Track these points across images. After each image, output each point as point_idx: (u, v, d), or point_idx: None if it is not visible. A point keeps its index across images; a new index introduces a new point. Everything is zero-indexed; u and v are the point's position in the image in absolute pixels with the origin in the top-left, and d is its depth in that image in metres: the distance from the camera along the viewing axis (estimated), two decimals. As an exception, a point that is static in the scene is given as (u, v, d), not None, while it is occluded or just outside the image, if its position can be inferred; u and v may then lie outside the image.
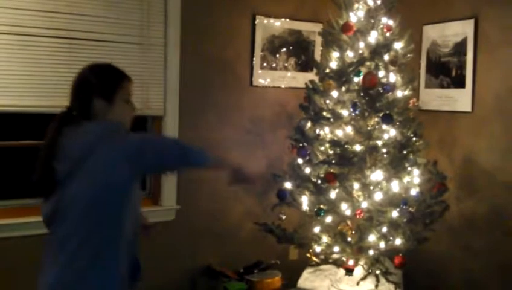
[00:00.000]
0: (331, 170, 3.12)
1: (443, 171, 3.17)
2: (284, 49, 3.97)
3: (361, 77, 3.08)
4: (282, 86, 3.98)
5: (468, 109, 3.52)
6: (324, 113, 3.21)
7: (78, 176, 1.77)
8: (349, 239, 3.12)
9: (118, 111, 1.91)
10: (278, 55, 3.95)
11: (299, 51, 4.04)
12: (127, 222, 1.84)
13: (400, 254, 3.08)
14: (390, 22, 3.22)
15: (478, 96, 3.48)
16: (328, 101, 3.23)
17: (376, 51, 3.13)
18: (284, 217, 3.27)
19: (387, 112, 3.04)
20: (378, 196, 3.03)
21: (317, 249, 3.27)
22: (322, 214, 3.12)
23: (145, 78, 3.43)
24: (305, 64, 4.06)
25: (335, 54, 3.26)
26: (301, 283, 3.38)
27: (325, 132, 3.24)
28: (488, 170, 3.43)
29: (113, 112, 1.90)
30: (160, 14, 3.47)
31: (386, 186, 3.07)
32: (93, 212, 1.78)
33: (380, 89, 3.08)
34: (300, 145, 3.26)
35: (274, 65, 3.94)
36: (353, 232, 3.15)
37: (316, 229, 3.24)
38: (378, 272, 3.11)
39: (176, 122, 3.55)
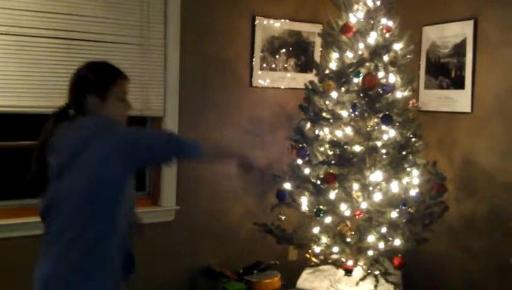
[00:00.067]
0: (331, 171, 3.12)
1: (442, 172, 3.17)
2: (284, 50, 3.97)
3: (361, 77, 3.08)
4: (282, 87, 3.98)
5: (468, 109, 3.52)
6: (324, 114, 3.21)
7: (72, 170, 1.78)
8: (348, 240, 3.12)
9: (111, 108, 1.91)
10: (277, 56, 3.94)
11: (299, 52, 4.04)
12: (121, 216, 1.85)
13: (399, 255, 3.08)
14: (390, 23, 3.22)
15: (477, 97, 3.48)
16: (327, 102, 3.23)
17: (376, 52, 3.13)
18: (283, 218, 3.27)
19: (387, 112, 3.04)
20: (377, 196, 3.03)
21: (317, 249, 3.27)
22: (321, 214, 3.12)
23: (145, 79, 3.43)
24: (304, 65, 4.06)
25: (335, 55, 3.26)
26: (300, 283, 3.38)
27: (325, 132, 3.24)
28: (488, 170, 3.43)
29: (106, 109, 1.90)
30: (160, 14, 3.47)
31: (385, 187, 3.08)
32: (87, 207, 1.78)
33: (379, 89, 3.08)
34: (300, 145, 3.26)
35: (274, 66, 3.94)
36: (352, 232, 3.14)
37: (316, 230, 3.24)
38: (377, 272, 3.11)
39: (175, 123, 3.55)
